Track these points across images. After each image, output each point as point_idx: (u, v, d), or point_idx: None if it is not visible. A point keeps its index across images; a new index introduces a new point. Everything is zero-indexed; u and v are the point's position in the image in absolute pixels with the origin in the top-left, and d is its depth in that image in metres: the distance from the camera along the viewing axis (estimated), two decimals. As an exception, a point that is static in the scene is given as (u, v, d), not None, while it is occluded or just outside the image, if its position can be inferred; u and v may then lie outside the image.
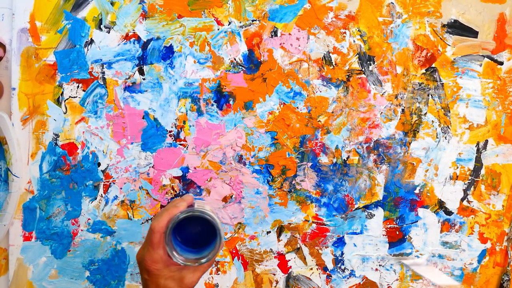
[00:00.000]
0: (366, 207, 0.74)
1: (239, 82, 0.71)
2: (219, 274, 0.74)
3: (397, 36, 0.71)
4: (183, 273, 0.50)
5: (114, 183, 0.72)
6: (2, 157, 0.70)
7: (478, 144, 0.74)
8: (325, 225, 0.74)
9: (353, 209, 0.74)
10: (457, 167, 0.74)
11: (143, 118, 0.71)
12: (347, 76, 0.72)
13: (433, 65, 0.72)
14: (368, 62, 0.72)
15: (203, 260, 0.49)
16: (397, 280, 0.76)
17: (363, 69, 0.72)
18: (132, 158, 0.72)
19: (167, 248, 0.49)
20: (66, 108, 0.71)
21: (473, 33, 0.72)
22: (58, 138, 0.71)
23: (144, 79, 0.70)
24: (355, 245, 0.75)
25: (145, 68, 0.70)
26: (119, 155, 0.72)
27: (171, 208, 0.50)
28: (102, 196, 0.72)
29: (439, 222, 0.75)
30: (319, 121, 0.72)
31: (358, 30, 0.71)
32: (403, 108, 0.73)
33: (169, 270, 0.50)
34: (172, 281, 0.50)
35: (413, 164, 0.74)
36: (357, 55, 0.71)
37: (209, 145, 0.72)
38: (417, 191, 0.74)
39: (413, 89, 0.73)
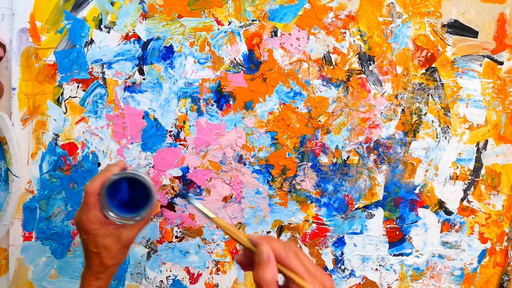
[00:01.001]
0: (366, 207, 0.74)
1: (239, 82, 0.71)
2: (219, 274, 0.74)
3: (397, 36, 0.71)
4: (120, 230, 0.53)
5: (114, 183, 0.72)
6: (2, 157, 0.70)
7: (478, 144, 0.74)
8: (325, 225, 0.74)
9: (353, 209, 0.74)
10: (457, 167, 0.74)
11: (143, 118, 0.71)
12: (347, 76, 0.72)
13: (433, 65, 0.72)
14: (368, 62, 0.72)
15: (137, 218, 0.52)
16: (397, 280, 0.76)
17: (363, 69, 0.72)
18: (132, 158, 0.72)
19: (103, 209, 0.51)
20: (66, 108, 0.71)
21: (473, 33, 0.72)
22: (58, 138, 0.71)
23: (144, 79, 0.70)
24: (355, 245, 0.75)
25: (145, 68, 0.70)
26: (119, 155, 0.72)
27: (104, 172, 0.53)
28: (102, 196, 0.72)
29: (439, 222, 0.75)
30: (319, 121, 0.72)
31: (358, 30, 0.71)
32: (403, 108, 0.73)
33: (106, 229, 0.52)
34: (110, 238, 0.53)
35: (413, 164, 0.74)
36: (357, 55, 0.71)
37: (209, 145, 0.72)
38: (417, 191, 0.74)
39: (413, 89, 0.73)
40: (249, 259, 0.43)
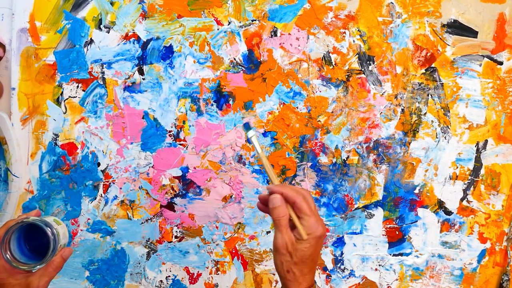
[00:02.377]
0: (366, 207, 0.74)
1: (239, 82, 0.71)
2: (218, 274, 0.74)
3: (397, 36, 0.71)
4: (29, 279, 0.52)
5: (113, 183, 0.72)
6: (2, 157, 0.70)
7: (477, 144, 0.74)
8: (325, 225, 0.74)
9: (353, 209, 0.74)
10: (457, 167, 0.74)
11: (142, 118, 0.71)
12: (346, 76, 0.72)
13: (433, 65, 0.72)
14: (368, 62, 0.72)
15: (37, 266, 0.52)
16: (396, 280, 0.76)
17: (362, 69, 0.72)
18: (131, 158, 0.72)
19: (3, 256, 0.51)
20: (65, 108, 0.71)
21: (472, 33, 0.72)
22: (57, 138, 0.71)
23: (143, 79, 0.70)
24: (354, 245, 0.75)
25: (145, 68, 0.70)
26: (119, 155, 0.72)
27: (9, 221, 0.54)
28: (101, 196, 0.72)
29: (438, 222, 0.75)
30: (319, 121, 0.72)
31: (358, 30, 0.71)
32: (402, 108, 0.73)
33: (14, 278, 0.52)
34: (18, 287, 0.52)
35: (413, 164, 0.74)
36: (357, 55, 0.71)
37: (208, 145, 0.72)
38: (416, 191, 0.74)
39: (412, 89, 0.73)
40: (265, 202, 0.53)
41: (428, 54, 0.72)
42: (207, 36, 0.70)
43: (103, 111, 0.71)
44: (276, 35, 0.71)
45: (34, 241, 0.55)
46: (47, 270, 0.52)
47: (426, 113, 0.73)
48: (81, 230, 0.72)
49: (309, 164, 0.73)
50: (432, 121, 0.73)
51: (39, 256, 0.53)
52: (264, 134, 0.72)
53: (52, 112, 0.70)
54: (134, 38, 0.70)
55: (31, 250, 0.55)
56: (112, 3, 0.69)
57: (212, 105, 0.71)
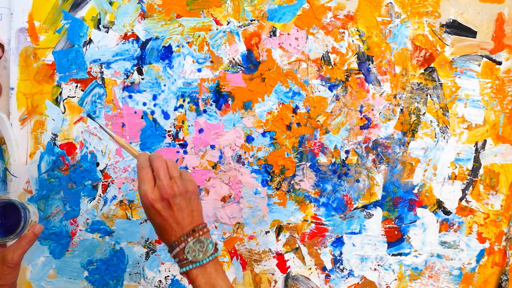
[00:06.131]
0: (365, 207, 0.74)
1: (238, 82, 0.71)
2: (218, 274, 0.74)
3: (396, 36, 0.71)
4: (4, 253, 0.55)
5: (112, 183, 0.72)
6: (1, 157, 0.70)
7: (476, 144, 0.74)
8: (324, 225, 0.74)
9: (352, 209, 0.74)
10: (456, 167, 0.74)
11: (141, 118, 0.71)
12: (346, 76, 0.72)
13: (432, 65, 0.72)
14: (367, 61, 0.72)
15: (11, 240, 0.56)
16: (395, 280, 0.76)
17: (361, 69, 0.72)
18: (131, 158, 0.72)
19: None
20: (64, 108, 0.71)
21: (471, 33, 0.72)
22: (56, 138, 0.71)
23: (143, 79, 0.70)
24: (353, 245, 0.75)
25: (144, 68, 0.70)
26: (118, 155, 0.72)
27: None
28: (100, 196, 0.72)
29: (437, 222, 0.75)
30: (318, 121, 0.72)
31: (357, 30, 0.71)
32: (401, 108, 0.73)
33: None
34: None
35: (412, 164, 0.74)
36: (356, 55, 0.71)
37: (208, 145, 0.72)
38: (415, 191, 0.74)
39: (411, 89, 0.73)
40: None
41: (427, 54, 0.72)
42: (206, 36, 0.70)
43: (102, 111, 0.71)
44: (275, 35, 0.71)
45: (4, 220, 0.58)
46: (21, 243, 0.55)
47: (425, 113, 0.73)
48: (80, 230, 0.72)
49: (308, 164, 0.73)
50: (431, 121, 0.73)
51: (9, 234, 0.56)
52: (263, 134, 0.72)
53: (51, 112, 0.70)
54: (133, 38, 0.70)
55: (2, 228, 0.58)
56: (111, 3, 0.69)
57: (211, 105, 0.71)
